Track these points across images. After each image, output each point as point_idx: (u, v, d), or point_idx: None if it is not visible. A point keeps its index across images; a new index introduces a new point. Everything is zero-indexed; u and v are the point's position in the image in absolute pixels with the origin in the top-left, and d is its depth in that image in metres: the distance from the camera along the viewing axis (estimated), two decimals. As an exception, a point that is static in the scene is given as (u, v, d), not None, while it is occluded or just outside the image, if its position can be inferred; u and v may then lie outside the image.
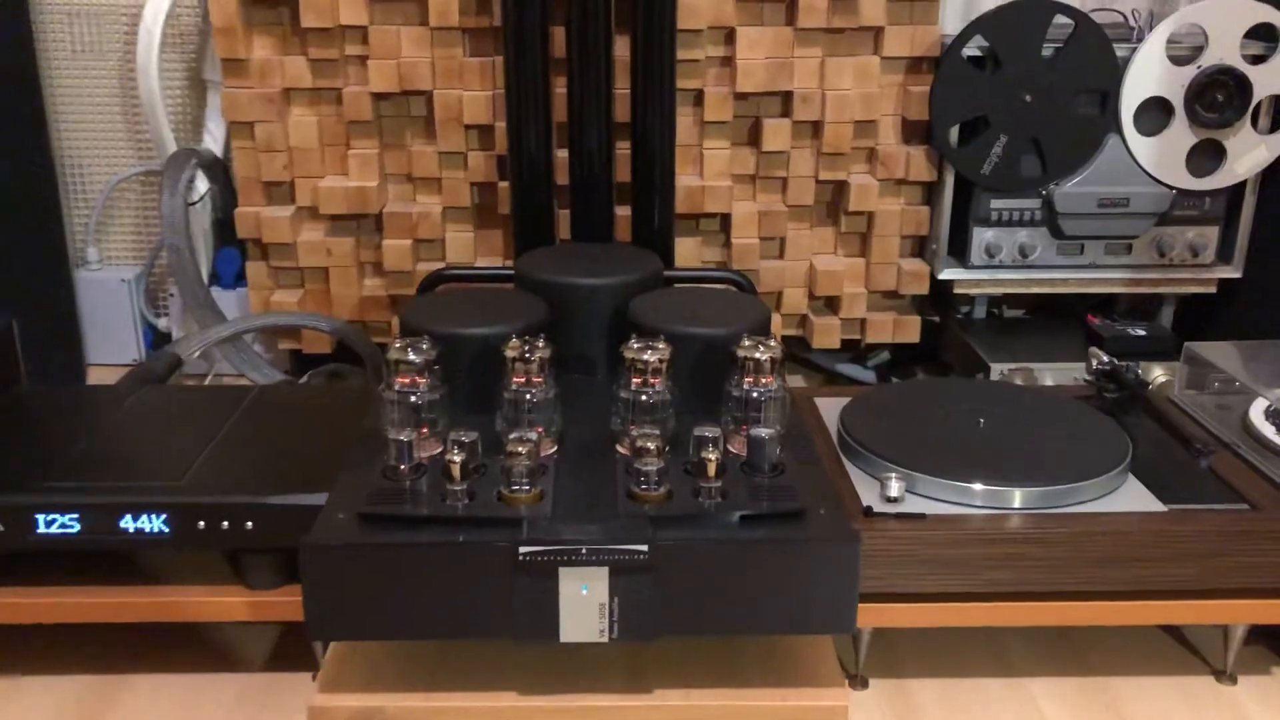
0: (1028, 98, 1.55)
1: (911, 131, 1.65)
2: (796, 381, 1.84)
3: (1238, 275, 1.66)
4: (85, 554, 1.04)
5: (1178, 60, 1.55)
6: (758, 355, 0.99)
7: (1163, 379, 1.51)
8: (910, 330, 1.73)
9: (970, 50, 1.55)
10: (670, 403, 0.99)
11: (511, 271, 1.33)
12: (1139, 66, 1.55)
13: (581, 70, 1.49)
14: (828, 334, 1.73)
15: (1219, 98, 1.55)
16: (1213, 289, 1.68)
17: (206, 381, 1.76)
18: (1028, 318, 1.81)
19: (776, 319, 1.73)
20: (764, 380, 0.99)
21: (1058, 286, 1.66)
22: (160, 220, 1.61)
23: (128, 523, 1.01)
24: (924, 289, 1.70)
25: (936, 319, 1.79)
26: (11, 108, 1.62)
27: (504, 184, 1.63)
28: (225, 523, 1.00)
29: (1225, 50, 1.53)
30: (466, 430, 0.93)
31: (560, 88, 1.55)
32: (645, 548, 0.84)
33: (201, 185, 1.78)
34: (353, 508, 0.88)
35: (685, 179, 1.65)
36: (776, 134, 1.63)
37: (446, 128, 1.61)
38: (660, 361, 0.98)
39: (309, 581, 0.84)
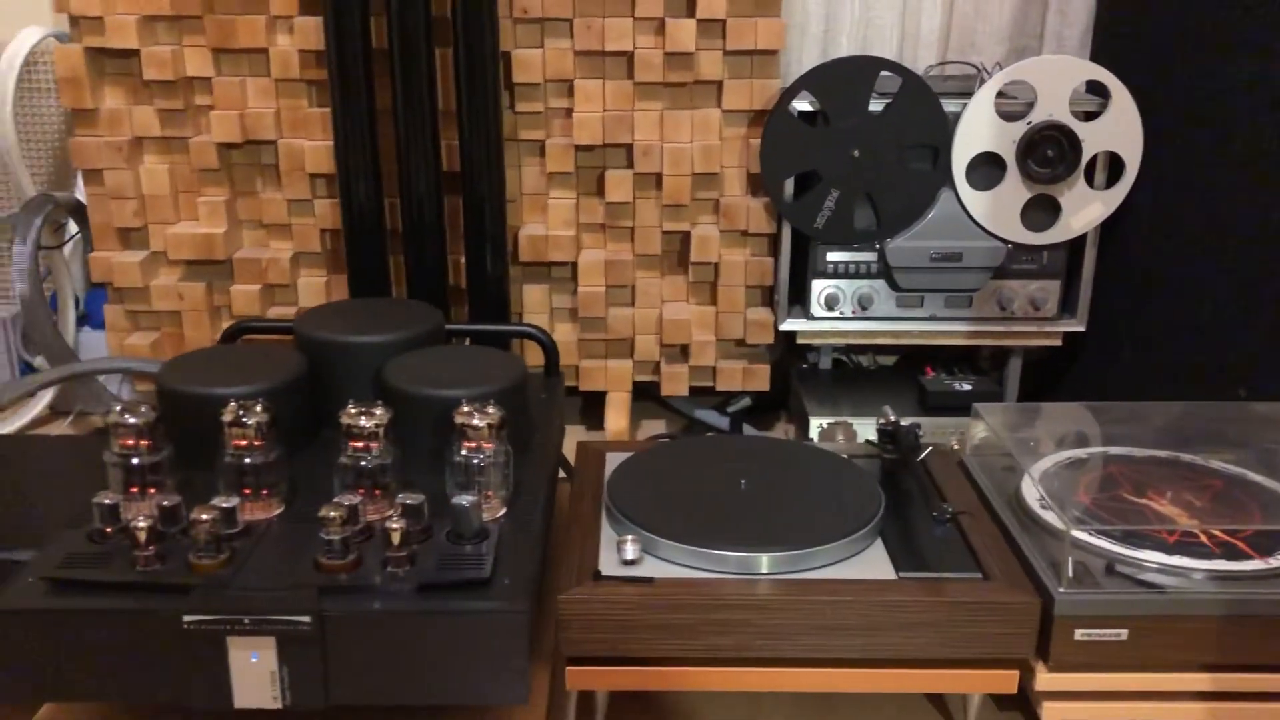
0: (856, 153, 1.56)
1: (756, 183, 1.66)
2: (656, 426, 1.85)
3: (1082, 329, 1.66)
4: None
5: (1008, 116, 1.56)
6: (475, 422, 1.00)
7: (983, 435, 1.51)
8: (760, 379, 1.74)
9: (802, 105, 1.57)
10: (390, 468, 1.00)
11: (279, 324, 1.36)
12: (968, 122, 1.56)
13: (407, 121, 1.52)
14: (677, 381, 1.74)
15: (1050, 153, 1.56)
16: (1058, 342, 1.68)
17: (69, 420, 1.80)
18: (886, 369, 1.81)
19: (628, 365, 1.74)
20: (485, 446, 1.01)
21: (901, 338, 1.67)
22: (14, 266, 1.64)
23: None
24: (769, 338, 1.71)
25: (788, 365, 1.80)
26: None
27: (351, 231, 1.66)
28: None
29: (1055, 106, 1.54)
30: (170, 494, 0.95)
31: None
32: (308, 618, 0.86)
33: (73, 227, 1.82)
34: (45, 570, 0.91)
35: (531, 227, 1.68)
36: (619, 185, 1.65)
37: (292, 176, 1.64)
38: (378, 427, 0.99)
39: (-14, 645, 0.87)
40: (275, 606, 0.86)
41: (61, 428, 1.81)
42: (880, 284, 1.63)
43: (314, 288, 1.71)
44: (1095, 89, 1.56)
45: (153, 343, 1.71)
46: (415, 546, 0.93)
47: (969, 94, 1.58)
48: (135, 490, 1.00)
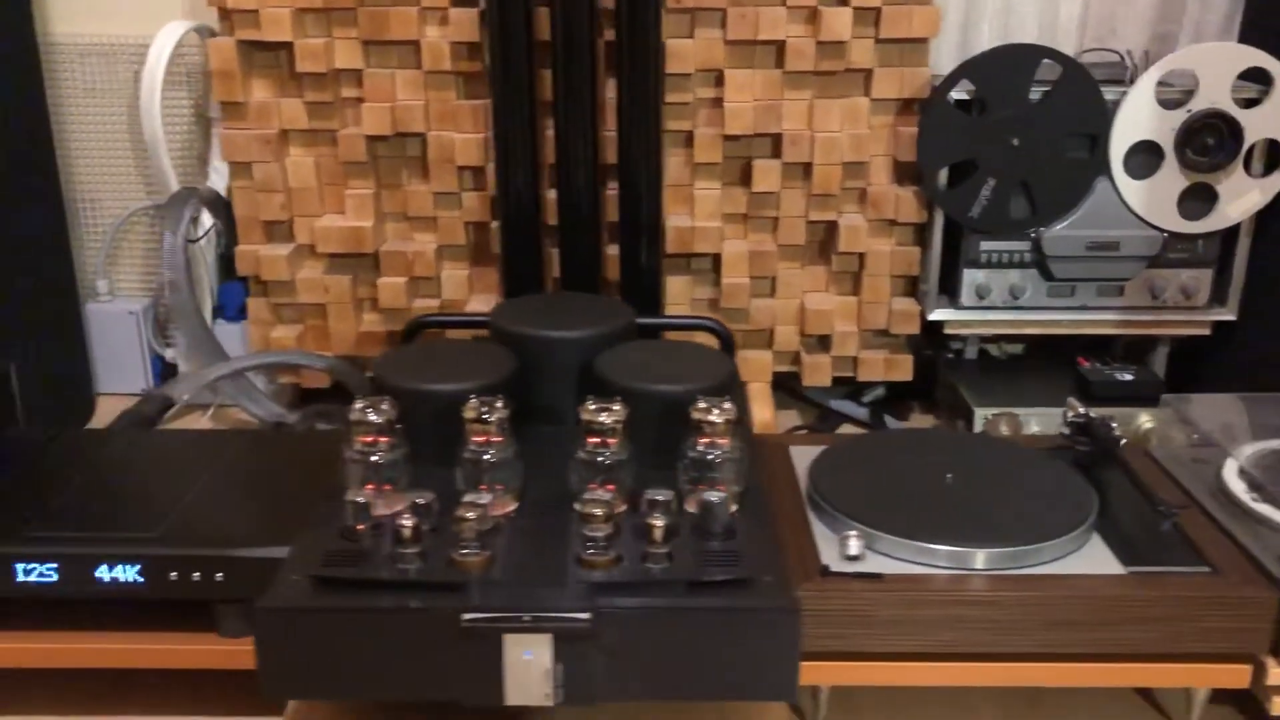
0: (1015, 141, 1.55)
1: (903, 172, 1.65)
2: (791, 417, 1.84)
3: (1233, 318, 1.65)
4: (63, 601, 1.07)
5: (1167, 104, 1.54)
6: (712, 418, 1.00)
7: (1148, 426, 1.50)
8: (903, 369, 1.74)
9: (958, 94, 1.55)
10: (626, 463, 1.00)
11: (487, 318, 1.35)
12: (1128, 110, 1.54)
13: (568, 112, 1.51)
14: (819, 372, 1.74)
15: (1210, 141, 1.54)
16: (1207, 331, 1.67)
17: (209, 414, 1.80)
18: (1020, 358, 1.80)
19: (767, 356, 1.74)
20: (720, 441, 1.00)
21: (1049, 328, 1.66)
22: (163, 258, 1.64)
23: (103, 573, 1.04)
24: (915, 328, 1.70)
25: (929, 354, 1.79)
26: (22, 147, 1.66)
27: (496, 224, 1.66)
28: (196, 574, 1.03)
29: (1216, 94, 1.53)
30: (422, 491, 0.96)
31: (551, 129, 1.57)
32: (588, 615, 0.86)
33: (207, 220, 1.82)
34: (308, 568, 0.91)
35: (676, 219, 1.67)
36: (766, 175, 1.64)
37: (440, 169, 1.64)
38: (616, 423, 0.99)
39: (263, 642, 0.87)
40: (556, 604, 0.86)
41: (201, 421, 1.81)
42: (1031, 273, 1.62)
43: (457, 280, 1.70)
44: (1253, 75, 1.54)
45: (298, 335, 1.71)
46: (672, 543, 0.93)
47: (1115, 81, 1.56)
48: (372, 487, 1.00)
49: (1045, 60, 1.54)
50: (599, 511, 0.91)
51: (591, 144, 1.53)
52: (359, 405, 0.99)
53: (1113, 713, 1.13)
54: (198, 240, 1.80)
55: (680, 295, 1.72)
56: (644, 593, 0.87)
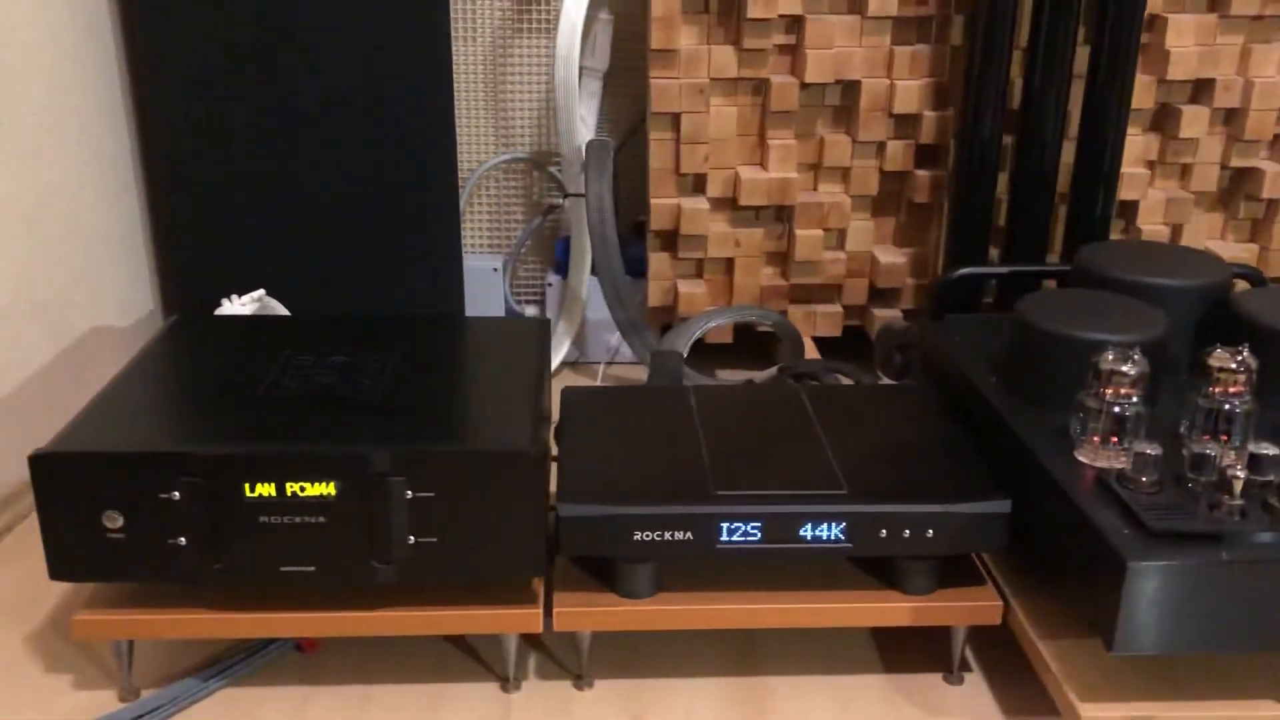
0: None
1: (1314, 117, 1.65)
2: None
3: None
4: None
5: None
6: None
7: None
8: (1299, 316, 1.74)
9: None
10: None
11: (1038, 270, 1.36)
12: None
13: (1046, 58, 1.48)
14: (1221, 320, 1.73)
15: None
16: None
17: (601, 371, 1.76)
18: None
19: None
20: None
21: None
22: (587, 209, 1.59)
23: (807, 531, 1.02)
24: (1323, 276, 1.71)
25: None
26: (429, 89, 1.59)
27: (920, 173, 1.63)
28: (906, 531, 1.02)
29: None
30: (1207, 442, 0.94)
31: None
32: None
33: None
34: (1118, 524, 0.89)
35: (1094, 167, 1.65)
36: (1194, 121, 1.62)
37: (870, 117, 1.60)
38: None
39: (1130, 600, 0.85)
40: None
41: (570, 379, 1.78)
42: None
43: (861, 232, 1.68)
44: None
45: (705, 291, 1.68)
46: None
47: None
48: (1115, 440, 0.99)
49: None
50: None
51: (1064, 93, 1.50)
52: (1110, 357, 0.97)
53: None
54: (581, 195, 1.75)
55: (1085, 245, 1.70)
56: None
